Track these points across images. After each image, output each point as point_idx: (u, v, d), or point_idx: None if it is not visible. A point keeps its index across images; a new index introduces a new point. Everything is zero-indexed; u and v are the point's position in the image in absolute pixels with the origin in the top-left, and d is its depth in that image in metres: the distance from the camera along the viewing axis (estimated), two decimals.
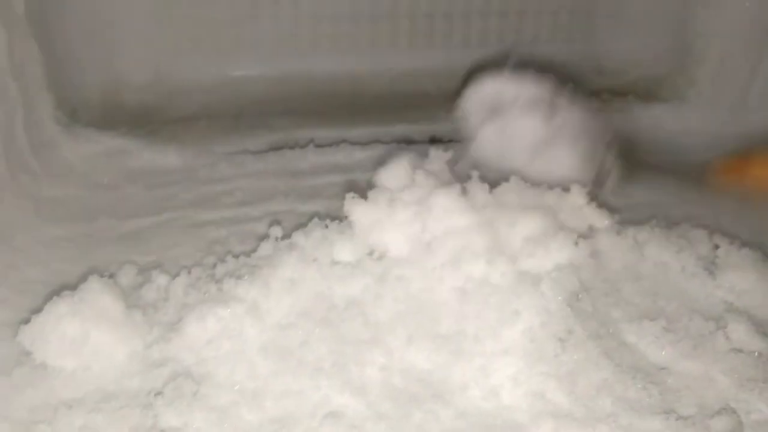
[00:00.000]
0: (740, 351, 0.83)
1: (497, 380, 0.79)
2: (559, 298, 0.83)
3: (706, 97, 1.51)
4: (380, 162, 1.28)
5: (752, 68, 1.39)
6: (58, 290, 0.90)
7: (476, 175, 0.97)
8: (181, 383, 0.79)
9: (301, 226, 1.00)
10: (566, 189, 0.99)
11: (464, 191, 0.93)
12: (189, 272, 0.97)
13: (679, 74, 1.60)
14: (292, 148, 1.42)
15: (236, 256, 1.00)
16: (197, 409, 0.76)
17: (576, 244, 0.88)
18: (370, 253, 0.91)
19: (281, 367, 0.81)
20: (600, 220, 0.96)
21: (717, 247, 1.00)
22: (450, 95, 1.75)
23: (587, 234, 0.94)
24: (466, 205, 0.90)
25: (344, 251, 0.91)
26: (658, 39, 1.64)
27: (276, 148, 1.43)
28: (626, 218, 1.04)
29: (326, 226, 0.97)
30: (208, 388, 0.79)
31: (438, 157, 1.04)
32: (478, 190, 0.95)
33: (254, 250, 1.00)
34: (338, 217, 0.97)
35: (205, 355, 0.83)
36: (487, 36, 1.70)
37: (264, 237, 1.01)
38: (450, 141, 1.42)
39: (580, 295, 0.85)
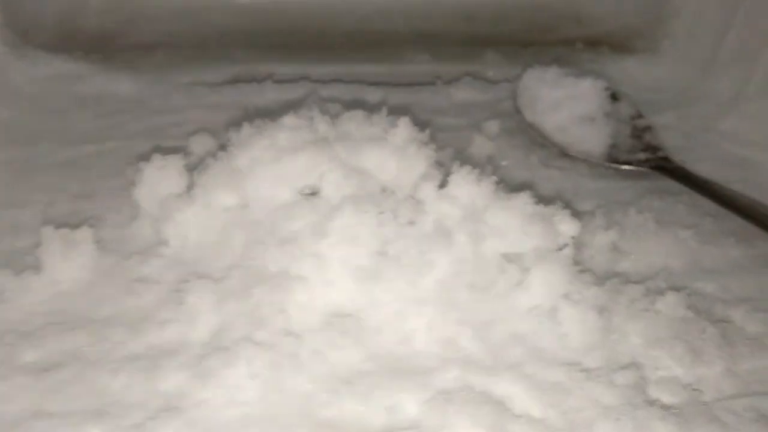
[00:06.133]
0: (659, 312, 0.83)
1: (412, 326, 0.79)
2: (476, 245, 0.82)
3: (679, 50, 1.46)
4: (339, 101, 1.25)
5: (725, 22, 1.34)
6: None
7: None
8: None
9: None
10: None
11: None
12: None
13: (656, 26, 1.55)
14: (249, 82, 1.38)
15: None
16: None
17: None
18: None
19: None
20: None
21: None
22: (421, 35, 1.69)
23: None
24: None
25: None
26: None
27: (234, 81, 1.39)
28: None
29: None
30: None
31: None
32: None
33: None
34: None
35: None
36: None
37: None
38: (410, 84, 1.39)
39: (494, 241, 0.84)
